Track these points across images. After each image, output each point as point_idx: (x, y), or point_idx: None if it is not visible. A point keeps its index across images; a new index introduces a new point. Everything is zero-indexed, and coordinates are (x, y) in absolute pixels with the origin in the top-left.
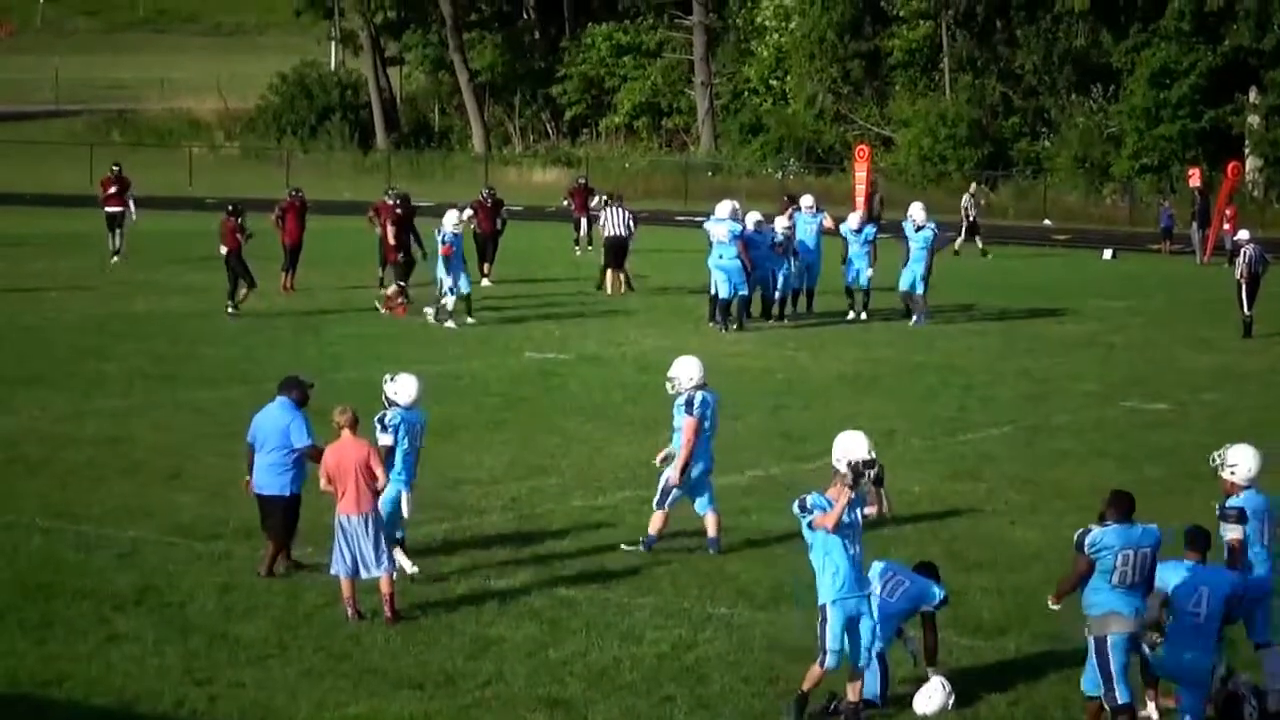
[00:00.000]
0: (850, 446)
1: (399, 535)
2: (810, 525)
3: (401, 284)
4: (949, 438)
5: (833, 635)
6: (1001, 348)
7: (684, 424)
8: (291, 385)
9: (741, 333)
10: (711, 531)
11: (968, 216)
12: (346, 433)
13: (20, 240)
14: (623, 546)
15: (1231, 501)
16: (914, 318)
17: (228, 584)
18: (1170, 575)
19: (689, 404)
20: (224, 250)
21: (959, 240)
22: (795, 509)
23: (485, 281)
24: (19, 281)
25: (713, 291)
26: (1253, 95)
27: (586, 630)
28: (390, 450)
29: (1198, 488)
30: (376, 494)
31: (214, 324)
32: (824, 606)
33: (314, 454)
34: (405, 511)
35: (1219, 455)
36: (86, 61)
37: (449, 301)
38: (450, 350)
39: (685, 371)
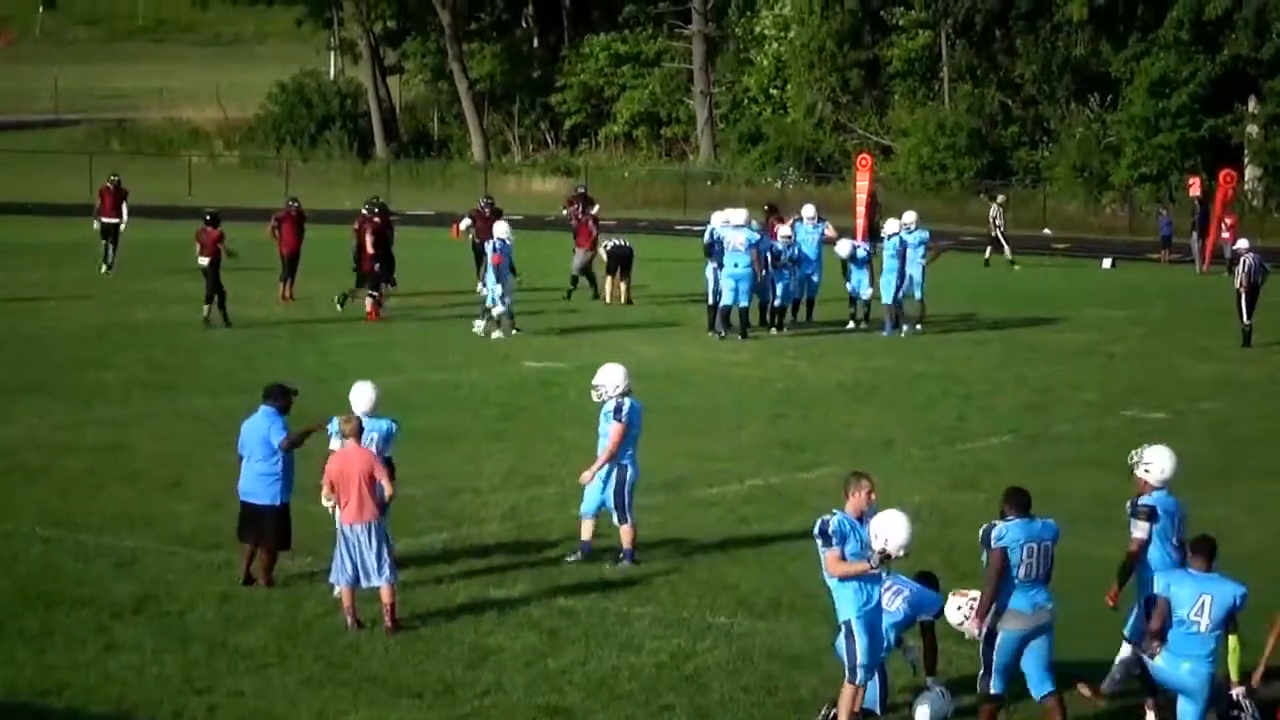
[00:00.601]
0: (892, 535)
1: None
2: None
3: (375, 293)
4: (948, 447)
5: (863, 650)
6: (1001, 357)
7: (610, 430)
8: (275, 393)
9: (741, 342)
10: (626, 543)
11: (996, 227)
12: (350, 442)
13: (20, 249)
14: (607, 566)
15: (1143, 500)
16: (902, 327)
17: (227, 593)
18: (1174, 582)
19: (617, 410)
20: (204, 261)
21: (1008, 251)
22: (816, 534)
23: (483, 290)
24: (19, 290)
25: (712, 300)
26: (1252, 105)
27: (585, 640)
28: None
29: (1197, 496)
30: (380, 504)
31: (213, 333)
32: (848, 623)
33: (286, 442)
34: None
35: (1137, 454)
36: (86, 71)
37: (498, 311)
38: (449, 359)
39: (611, 379)
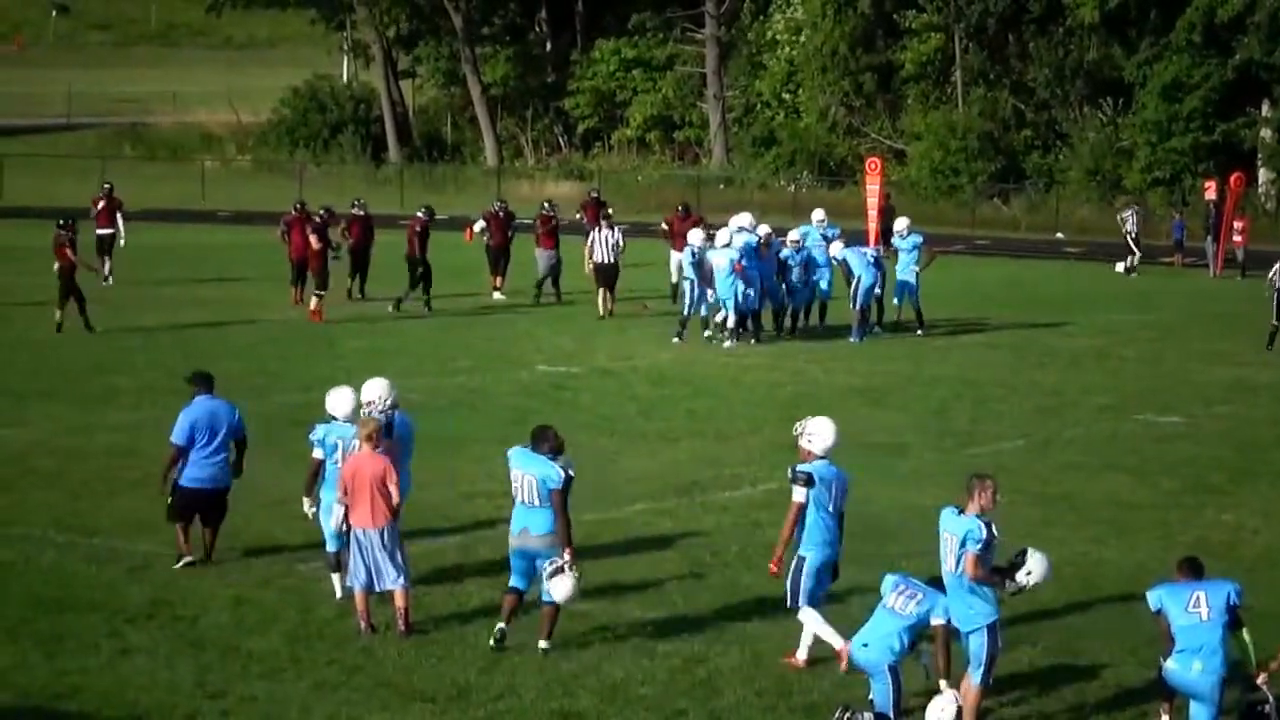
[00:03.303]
0: (1036, 570)
1: (333, 551)
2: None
3: (321, 292)
4: (961, 451)
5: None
6: (1013, 361)
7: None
8: (207, 379)
9: (753, 346)
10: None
11: (1130, 233)
12: (366, 446)
13: (31, 253)
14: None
15: (802, 467)
16: (861, 334)
17: (240, 597)
18: (1165, 593)
19: (388, 426)
20: (57, 265)
21: (1130, 259)
22: (980, 537)
23: (497, 294)
24: (31, 295)
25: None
26: (1265, 109)
27: (598, 644)
28: (320, 464)
29: (1210, 500)
30: (393, 509)
31: (226, 337)
32: (994, 624)
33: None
34: (336, 526)
35: (801, 425)
36: (98, 75)
37: (730, 318)
38: (462, 362)
39: (380, 393)
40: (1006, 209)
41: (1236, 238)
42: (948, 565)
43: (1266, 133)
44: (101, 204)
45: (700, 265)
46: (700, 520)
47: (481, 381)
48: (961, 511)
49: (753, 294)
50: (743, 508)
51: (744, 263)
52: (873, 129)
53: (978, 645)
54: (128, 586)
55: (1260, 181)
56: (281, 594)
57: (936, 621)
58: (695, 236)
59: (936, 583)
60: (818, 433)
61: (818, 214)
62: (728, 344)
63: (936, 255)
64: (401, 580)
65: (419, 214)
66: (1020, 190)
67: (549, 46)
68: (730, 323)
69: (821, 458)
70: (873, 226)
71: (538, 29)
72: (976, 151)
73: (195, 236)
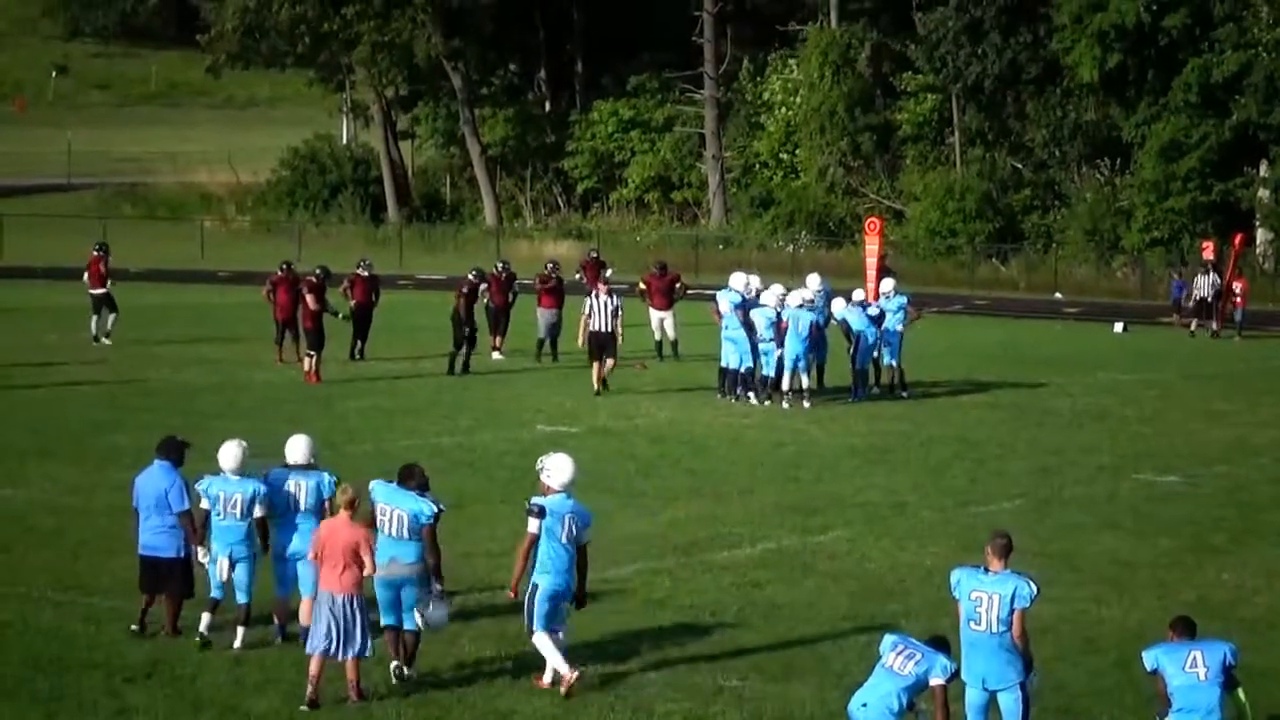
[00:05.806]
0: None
1: (213, 597)
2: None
3: (313, 353)
4: (960, 510)
5: None
6: (1012, 420)
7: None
8: (169, 447)
9: (752, 405)
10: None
11: (1206, 298)
12: (344, 513)
13: (33, 313)
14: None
15: (535, 500)
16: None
17: (239, 657)
18: (1161, 653)
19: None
20: None
21: (1213, 322)
22: (1032, 597)
23: (496, 355)
24: (32, 354)
25: (723, 363)
26: (1263, 168)
27: (597, 703)
28: (206, 515)
29: (1211, 560)
30: (360, 580)
31: (227, 397)
32: (1024, 684)
33: (186, 520)
34: (221, 577)
35: (542, 461)
36: (98, 135)
37: (805, 379)
38: (461, 422)
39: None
40: (1005, 269)
41: (1236, 298)
42: (982, 626)
43: (1264, 193)
44: (103, 264)
45: (776, 324)
46: (698, 579)
47: (481, 441)
48: (987, 570)
49: (746, 353)
50: (742, 567)
51: (819, 322)
52: (871, 189)
53: (1013, 701)
54: (127, 646)
55: (1258, 241)
56: (279, 654)
57: (935, 682)
58: (771, 296)
59: (933, 643)
60: (555, 469)
61: (814, 282)
62: (807, 404)
63: (920, 316)
64: (355, 651)
65: (469, 275)
66: (1019, 250)
67: (548, 107)
68: (805, 383)
69: (559, 492)
70: (871, 286)
71: (536, 90)
72: (975, 212)
73: (195, 296)
